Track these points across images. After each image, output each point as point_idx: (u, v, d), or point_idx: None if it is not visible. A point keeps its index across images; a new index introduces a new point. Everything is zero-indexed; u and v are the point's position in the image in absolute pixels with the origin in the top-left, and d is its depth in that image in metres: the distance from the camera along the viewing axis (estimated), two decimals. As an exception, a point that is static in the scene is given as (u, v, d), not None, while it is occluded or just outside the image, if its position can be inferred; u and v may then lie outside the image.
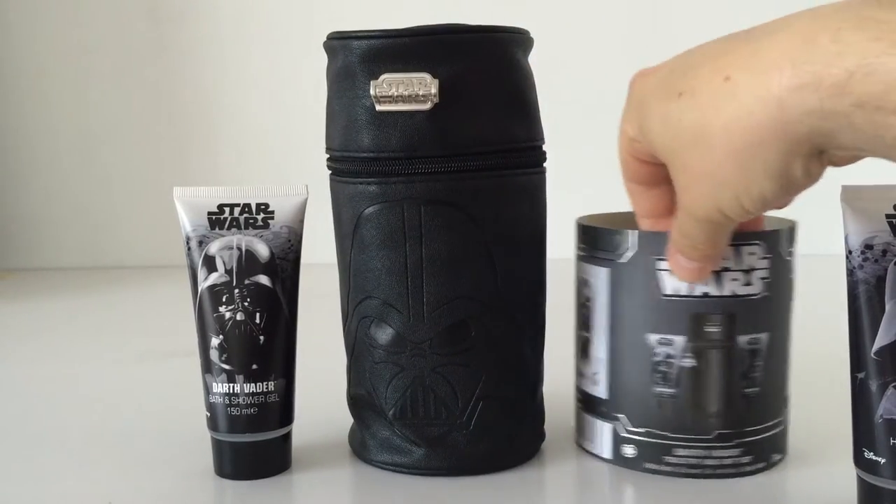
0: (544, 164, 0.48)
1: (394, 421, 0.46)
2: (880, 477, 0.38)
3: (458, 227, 0.44)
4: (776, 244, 0.44)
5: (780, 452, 0.46)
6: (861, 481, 0.39)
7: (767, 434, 0.45)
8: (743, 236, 0.43)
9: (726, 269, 0.43)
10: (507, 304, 0.45)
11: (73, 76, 1.18)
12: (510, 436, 0.47)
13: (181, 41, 1.17)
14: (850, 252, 0.39)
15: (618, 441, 0.46)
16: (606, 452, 0.47)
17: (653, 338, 0.44)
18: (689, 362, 0.44)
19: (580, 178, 1.14)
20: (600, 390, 0.47)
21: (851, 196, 0.39)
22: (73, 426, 0.56)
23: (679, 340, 0.44)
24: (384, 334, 0.45)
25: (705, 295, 0.43)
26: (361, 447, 0.48)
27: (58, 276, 1.14)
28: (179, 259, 0.50)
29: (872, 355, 0.38)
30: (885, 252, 0.38)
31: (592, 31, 1.15)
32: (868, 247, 0.38)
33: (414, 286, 0.44)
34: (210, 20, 1.17)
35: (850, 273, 0.39)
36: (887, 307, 0.37)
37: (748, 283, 0.43)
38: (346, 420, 0.52)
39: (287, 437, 0.47)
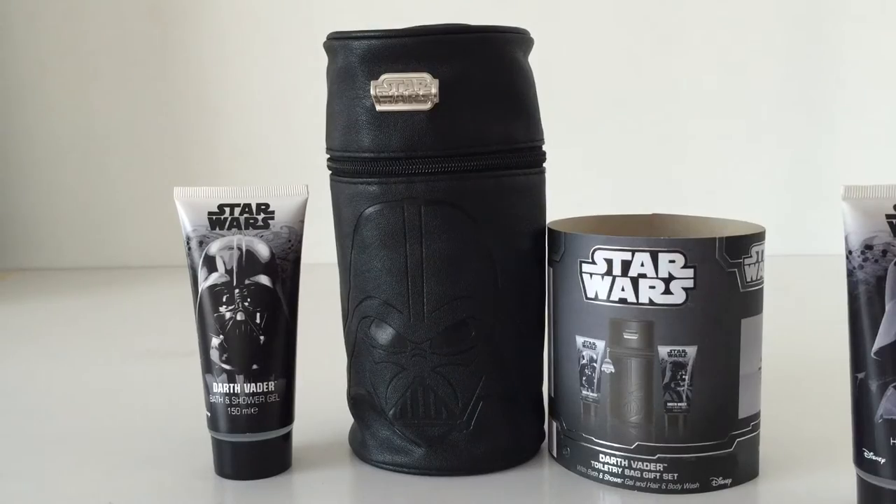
0: (544, 164, 0.48)
1: (394, 421, 0.46)
2: (880, 477, 0.38)
3: (458, 227, 0.44)
4: (705, 253, 0.41)
5: (727, 476, 0.43)
6: (861, 481, 0.39)
7: (701, 455, 0.43)
8: (662, 243, 0.42)
9: (643, 276, 0.42)
10: (507, 304, 0.45)
11: (74, 76, 1.18)
12: (510, 436, 0.47)
13: (182, 41, 1.17)
14: (850, 252, 0.38)
15: (560, 441, 0.47)
16: (554, 451, 0.48)
17: (580, 340, 0.44)
18: (608, 368, 0.43)
19: (580, 178, 1.14)
20: (550, 389, 0.48)
21: (852, 196, 0.39)
22: (73, 426, 0.56)
23: (601, 345, 0.43)
24: (384, 334, 0.45)
25: (623, 301, 0.42)
26: (362, 447, 0.48)
27: (58, 277, 1.14)
28: (179, 259, 0.50)
29: (872, 355, 0.38)
30: (885, 252, 0.37)
31: (592, 31, 1.15)
32: (868, 247, 0.38)
33: (414, 286, 0.44)
34: (210, 20, 1.17)
35: (851, 273, 0.38)
36: (887, 307, 0.37)
37: (667, 292, 0.42)
38: (346, 420, 0.52)
39: (287, 437, 0.47)
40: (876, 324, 0.37)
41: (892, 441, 0.37)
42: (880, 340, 0.37)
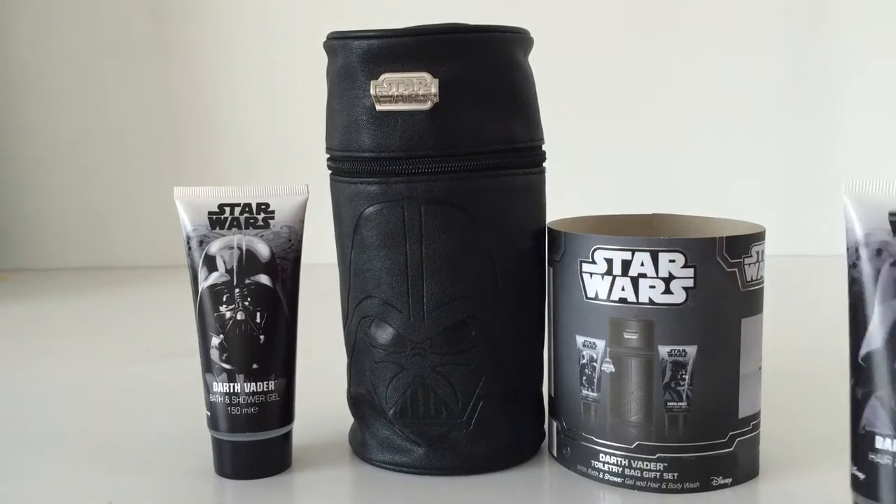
0: (544, 164, 0.48)
1: (394, 420, 0.46)
2: (859, 495, 0.36)
3: (459, 227, 0.44)
4: (706, 253, 0.41)
5: (727, 476, 0.43)
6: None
7: (701, 454, 0.43)
8: (662, 242, 0.42)
9: (643, 276, 0.42)
10: (507, 304, 0.45)
11: (76, 77, 1.18)
12: (510, 435, 0.47)
13: (182, 41, 1.17)
14: (847, 249, 0.37)
15: (560, 441, 0.47)
16: (554, 451, 0.48)
17: (580, 340, 0.44)
18: (608, 368, 0.43)
19: (580, 178, 1.14)
20: (550, 389, 0.48)
21: (854, 192, 0.37)
22: (73, 426, 0.56)
23: (601, 345, 0.43)
24: (384, 334, 0.45)
25: (622, 300, 0.42)
26: (362, 446, 0.48)
27: (58, 277, 1.14)
28: (179, 259, 0.50)
29: (860, 361, 0.36)
30: (879, 251, 0.35)
31: (592, 31, 1.15)
32: (865, 244, 0.36)
33: (414, 286, 0.44)
34: (211, 20, 1.17)
35: (849, 272, 0.37)
36: (876, 310, 0.35)
37: (667, 292, 0.42)
38: (346, 420, 0.52)
39: (287, 437, 0.47)
40: (864, 327, 0.35)
41: (870, 456, 0.35)
42: (866, 346, 0.35)
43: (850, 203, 0.37)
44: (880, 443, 0.34)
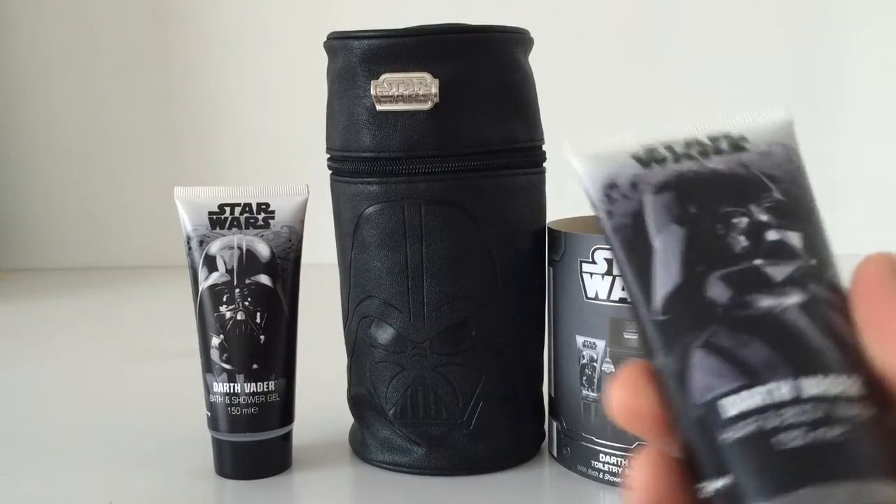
0: (544, 164, 0.48)
1: (394, 420, 0.46)
2: None
3: (459, 227, 0.44)
4: None
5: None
6: None
7: None
8: None
9: None
10: (507, 304, 0.45)
11: (75, 77, 1.18)
12: (510, 435, 0.47)
13: (182, 42, 1.17)
14: (593, 204, 0.27)
15: (560, 441, 0.47)
16: (554, 451, 0.48)
17: (580, 340, 0.44)
18: (609, 368, 0.43)
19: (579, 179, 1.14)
20: (550, 389, 0.48)
21: (583, 149, 0.28)
22: (73, 426, 0.56)
23: (601, 345, 0.43)
24: (384, 334, 0.45)
25: (623, 300, 0.42)
26: (362, 447, 0.48)
27: (58, 276, 1.14)
28: (180, 259, 0.50)
29: (657, 317, 0.24)
30: (634, 185, 0.26)
31: (593, 31, 1.15)
32: (612, 185, 0.26)
33: (414, 286, 0.44)
34: (211, 21, 1.17)
35: (603, 228, 0.26)
36: (658, 245, 0.25)
37: None
38: (346, 420, 0.52)
39: (287, 437, 0.47)
40: (649, 272, 0.24)
41: (723, 436, 0.21)
42: (662, 288, 0.24)
43: (579, 165, 0.27)
44: (733, 404, 0.21)
